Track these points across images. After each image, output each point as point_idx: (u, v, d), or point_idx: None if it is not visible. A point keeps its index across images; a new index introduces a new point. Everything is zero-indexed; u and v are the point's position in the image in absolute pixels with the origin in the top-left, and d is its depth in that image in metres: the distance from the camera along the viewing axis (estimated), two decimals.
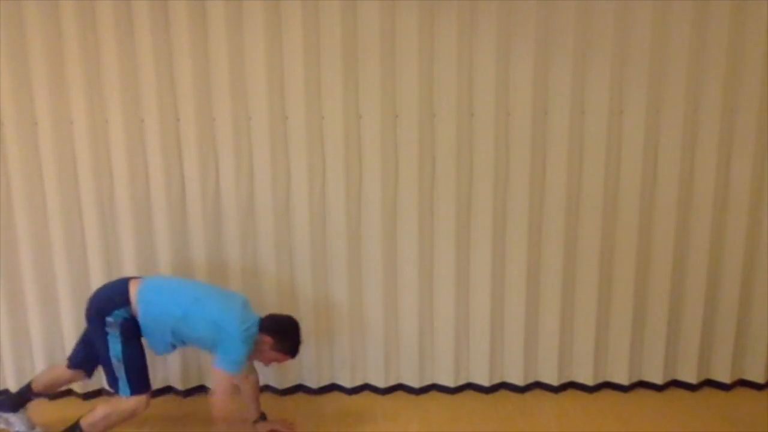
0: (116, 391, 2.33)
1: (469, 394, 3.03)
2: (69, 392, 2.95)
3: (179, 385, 2.96)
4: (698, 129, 2.75)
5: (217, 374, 2.32)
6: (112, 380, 2.33)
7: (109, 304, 2.31)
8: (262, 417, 2.64)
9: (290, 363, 2.94)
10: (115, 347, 2.28)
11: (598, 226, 2.82)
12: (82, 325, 2.46)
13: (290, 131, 2.74)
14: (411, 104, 2.70)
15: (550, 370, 3.01)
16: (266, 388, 3.02)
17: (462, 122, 2.73)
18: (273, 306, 2.87)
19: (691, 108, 2.72)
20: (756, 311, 2.94)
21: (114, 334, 2.28)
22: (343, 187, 2.78)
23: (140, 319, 2.32)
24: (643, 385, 3.05)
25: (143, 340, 2.37)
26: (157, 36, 2.62)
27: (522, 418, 2.81)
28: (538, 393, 3.03)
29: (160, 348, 2.39)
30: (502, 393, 3.03)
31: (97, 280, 2.76)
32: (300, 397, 3.01)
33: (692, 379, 3.01)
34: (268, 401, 2.88)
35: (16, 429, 2.56)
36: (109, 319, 2.28)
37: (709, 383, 3.06)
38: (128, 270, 2.79)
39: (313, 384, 3.02)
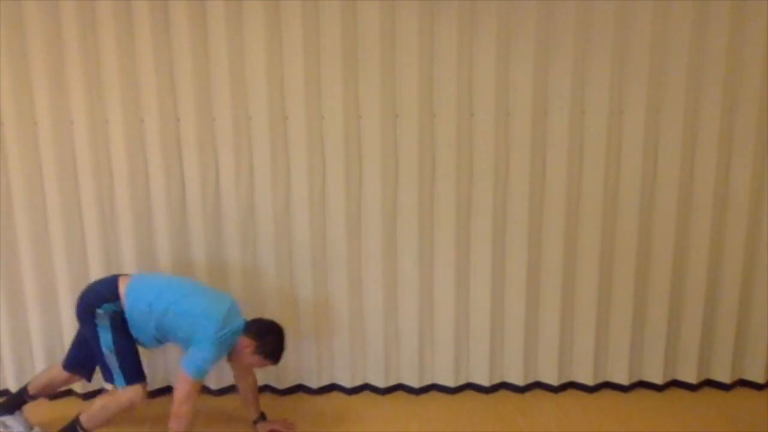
0: (112, 384, 2.34)
1: (469, 394, 3.03)
2: (69, 392, 2.95)
3: None
4: (698, 129, 2.75)
5: (180, 380, 2.30)
6: (108, 374, 2.34)
7: (99, 298, 2.34)
8: (262, 417, 2.64)
9: (290, 363, 2.95)
10: (106, 337, 2.30)
11: (598, 225, 2.82)
12: None
13: (290, 131, 2.74)
14: (411, 104, 2.70)
15: (550, 370, 3.01)
16: (266, 388, 3.02)
17: (462, 122, 2.73)
18: (273, 306, 2.87)
19: (691, 108, 2.72)
20: (756, 311, 2.94)
21: (104, 325, 2.30)
22: (343, 187, 2.78)
23: (126, 313, 2.34)
24: (643, 385, 3.05)
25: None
26: (157, 36, 2.62)
27: (522, 418, 2.81)
28: (538, 393, 3.03)
29: (146, 341, 2.40)
30: (502, 393, 3.03)
31: None
32: (300, 397, 3.01)
33: (692, 379, 3.01)
34: (268, 401, 2.88)
35: (15, 431, 2.57)
36: (99, 311, 2.31)
37: (709, 383, 3.06)
38: (128, 270, 2.79)
39: (313, 384, 3.02)
